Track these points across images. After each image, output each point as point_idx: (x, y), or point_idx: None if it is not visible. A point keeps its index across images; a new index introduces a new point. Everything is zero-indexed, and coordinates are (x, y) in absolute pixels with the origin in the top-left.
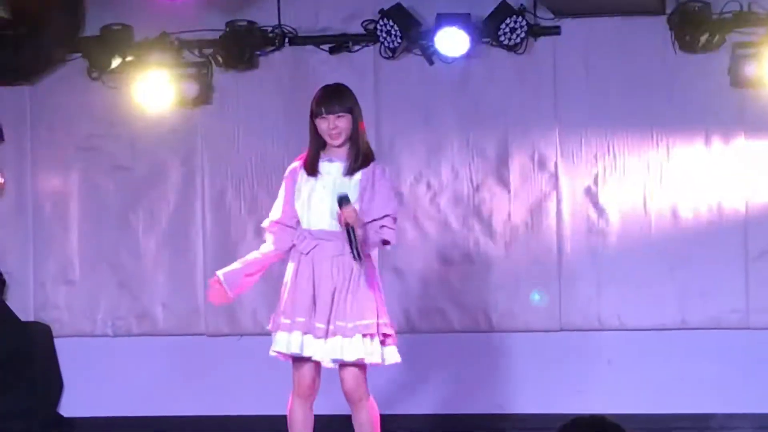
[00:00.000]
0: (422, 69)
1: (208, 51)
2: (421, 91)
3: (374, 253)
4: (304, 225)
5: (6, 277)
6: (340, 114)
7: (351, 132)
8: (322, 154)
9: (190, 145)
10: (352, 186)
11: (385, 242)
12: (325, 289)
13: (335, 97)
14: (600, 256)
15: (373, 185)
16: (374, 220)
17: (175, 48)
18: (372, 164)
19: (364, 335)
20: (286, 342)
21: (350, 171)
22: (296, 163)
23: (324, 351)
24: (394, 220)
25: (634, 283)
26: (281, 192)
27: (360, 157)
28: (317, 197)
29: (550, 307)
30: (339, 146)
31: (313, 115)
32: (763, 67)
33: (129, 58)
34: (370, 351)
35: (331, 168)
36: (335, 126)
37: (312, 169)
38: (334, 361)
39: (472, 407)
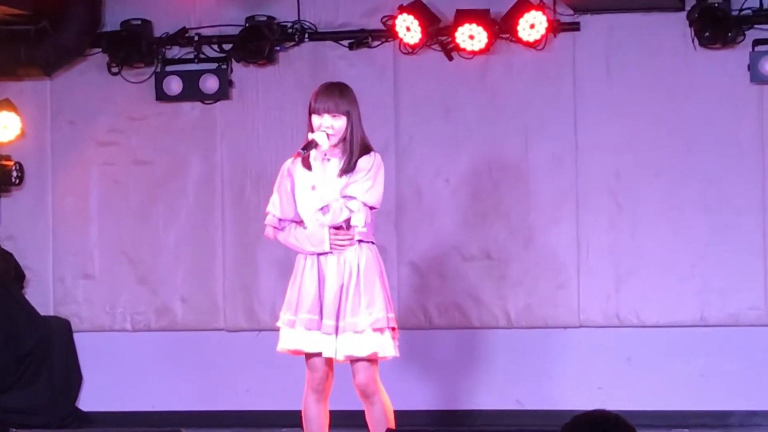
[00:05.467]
0: (441, 65)
1: (227, 46)
2: (441, 87)
3: (392, 247)
4: (312, 228)
5: (26, 271)
6: (335, 114)
7: (346, 134)
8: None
9: (210, 140)
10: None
11: (351, 223)
12: (331, 286)
13: (333, 97)
14: (619, 253)
15: (356, 171)
16: (343, 196)
17: (195, 43)
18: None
19: (374, 329)
20: (290, 338)
21: (342, 172)
22: (291, 159)
23: (335, 347)
24: (364, 204)
25: (653, 280)
26: (281, 188)
27: (353, 160)
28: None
29: (568, 303)
30: (332, 145)
31: (310, 110)
32: None
33: (148, 54)
34: (382, 344)
35: (328, 165)
36: (330, 125)
37: (307, 162)
38: (347, 357)
39: (491, 403)
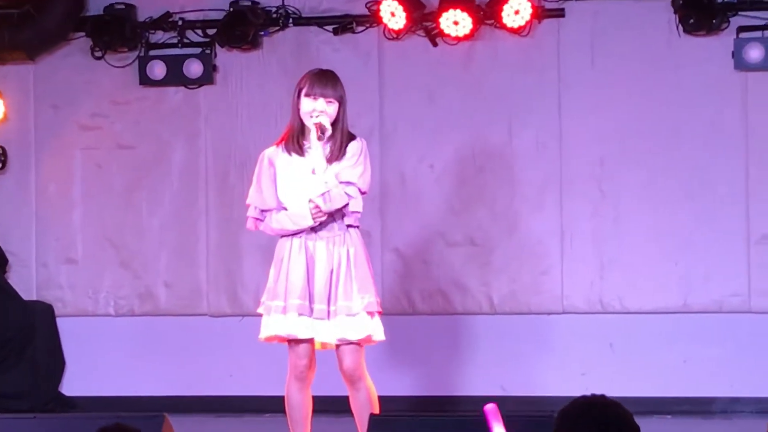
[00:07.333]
0: (426, 50)
1: (211, 31)
2: (425, 73)
3: (376, 232)
4: (293, 207)
5: (8, 255)
6: (331, 100)
7: (337, 119)
8: (300, 137)
9: (194, 125)
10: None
11: (350, 209)
12: (321, 270)
13: (331, 82)
14: (602, 240)
15: (348, 157)
16: (340, 182)
17: (179, 28)
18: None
19: (368, 313)
20: (281, 325)
21: (332, 158)
22: (272, 148)
23: (328, 332)
24: (359, 190)
25: (637, 266)
26: (263, 178)
27: (343, 146)
28: (306, 178)
29: (552, 289)
30: None
31: (303, 94)
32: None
33: (132, 38)
34: (374, 328)
35: (314, 152)
36: (323, 110)
37: (297, 147)
38: (340, 340)
39: (475, 389)
